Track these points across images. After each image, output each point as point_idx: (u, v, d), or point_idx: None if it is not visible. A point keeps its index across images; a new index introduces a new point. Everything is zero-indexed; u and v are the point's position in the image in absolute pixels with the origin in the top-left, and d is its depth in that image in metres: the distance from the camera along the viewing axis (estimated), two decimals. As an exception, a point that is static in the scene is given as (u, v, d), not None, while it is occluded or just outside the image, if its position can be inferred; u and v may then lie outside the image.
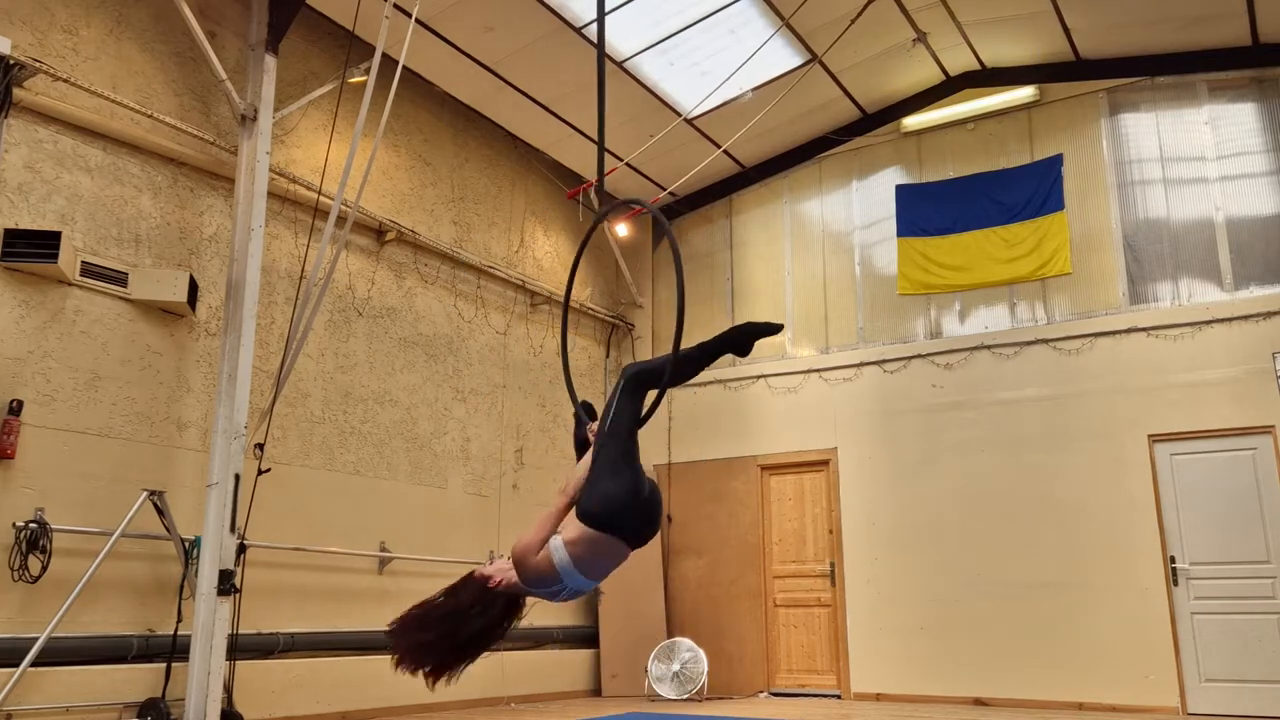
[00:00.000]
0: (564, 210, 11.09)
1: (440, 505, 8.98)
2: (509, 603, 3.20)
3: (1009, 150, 10.04)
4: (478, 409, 9.58)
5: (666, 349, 11.69)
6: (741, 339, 3.83)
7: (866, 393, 10.26)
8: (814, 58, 9.52)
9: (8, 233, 5.98)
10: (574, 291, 11.05)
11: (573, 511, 3.27)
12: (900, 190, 10.44)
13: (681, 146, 10.37)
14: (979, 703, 9.02)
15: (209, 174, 7.32)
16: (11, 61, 5.92)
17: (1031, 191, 9.71)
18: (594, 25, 8.55)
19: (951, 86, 10.33)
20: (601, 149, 4.22)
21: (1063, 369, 9.29)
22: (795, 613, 10.27)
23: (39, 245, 6.02)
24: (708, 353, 3.76)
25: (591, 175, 10.88)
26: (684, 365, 3.60)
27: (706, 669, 9.79)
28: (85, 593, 5.97)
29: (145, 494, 6.28)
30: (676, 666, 9.84)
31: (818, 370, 10.59)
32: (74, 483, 6.19)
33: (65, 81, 6.35)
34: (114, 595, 6.29)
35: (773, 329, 3.87)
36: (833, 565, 10.09)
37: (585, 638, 10.39)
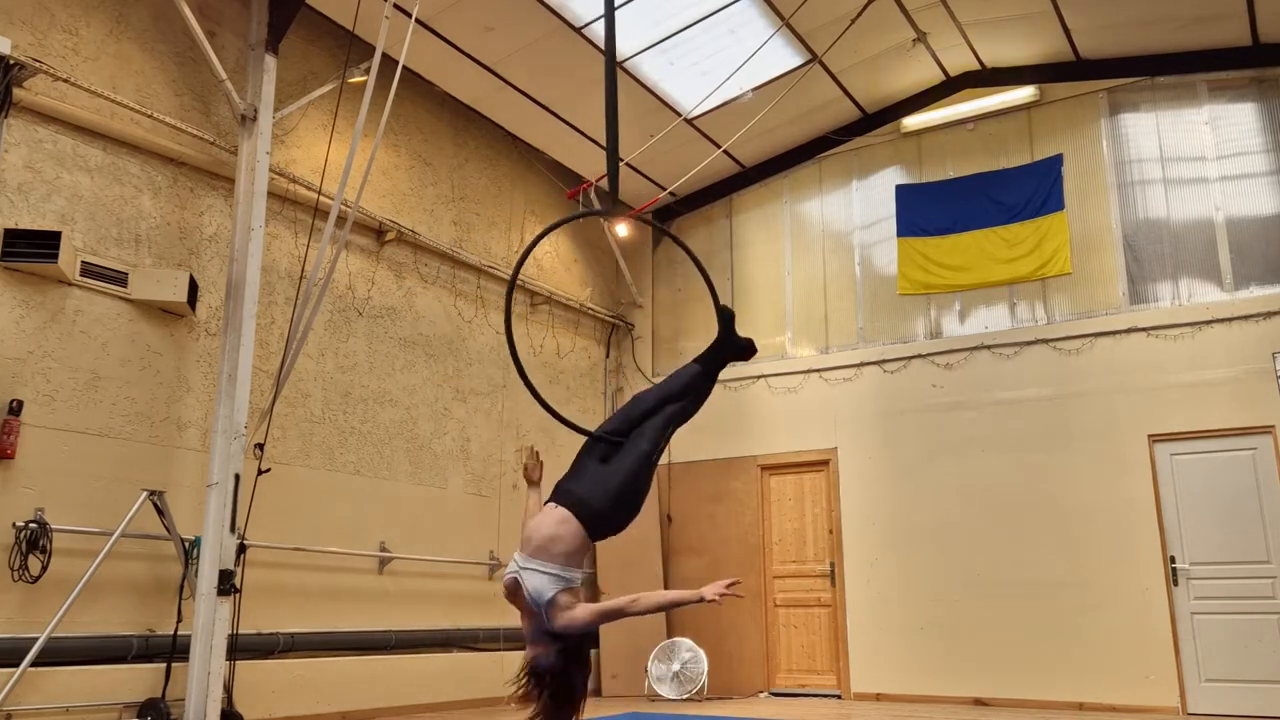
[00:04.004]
0: (564, 210, 11.08)
1: (440, 505, 8.98)
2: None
3: (1009, 150, 10.04)
4: (478, 409, 9.58)
5: (666, 348, 11.74)
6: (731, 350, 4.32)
7: (866, 393, 10.26)
8: (814, 58, 9.52)
9: (8, 233, 5.98)
10: (574, 291, 11.09)
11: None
12: (900, 190, 10.44)
13: (681, 146, 10.37)
14: (979, 703, 9.02)
15: (209, 174, 7.32)
16: (11, 61, 5.92)
17: (1031, 191, 9.71)
18: (595, 25, 8.57)
19: (951, 86, 10.33)
20: (614, 152, 4.25)
21: (1063, 369, 9.29)
22: (795, 613, 10.27)
23: (39, 245, 6.02)
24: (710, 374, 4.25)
25: (591, 174, 10.88)
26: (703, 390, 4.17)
27: (706, 669, 9.79)
28: (85, 593, 5.97)
29: (145, 494, 6.28)
30: (676, 666, 9.84)
31: (818, 370, 10.59)
32: (74, 483, 6.19)
33: (65, 81, 6.35)
34: (114, 595, 6.29)
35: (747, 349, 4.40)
36: (833, 565, 10.09)
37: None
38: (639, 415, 3.99)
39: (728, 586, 3.44)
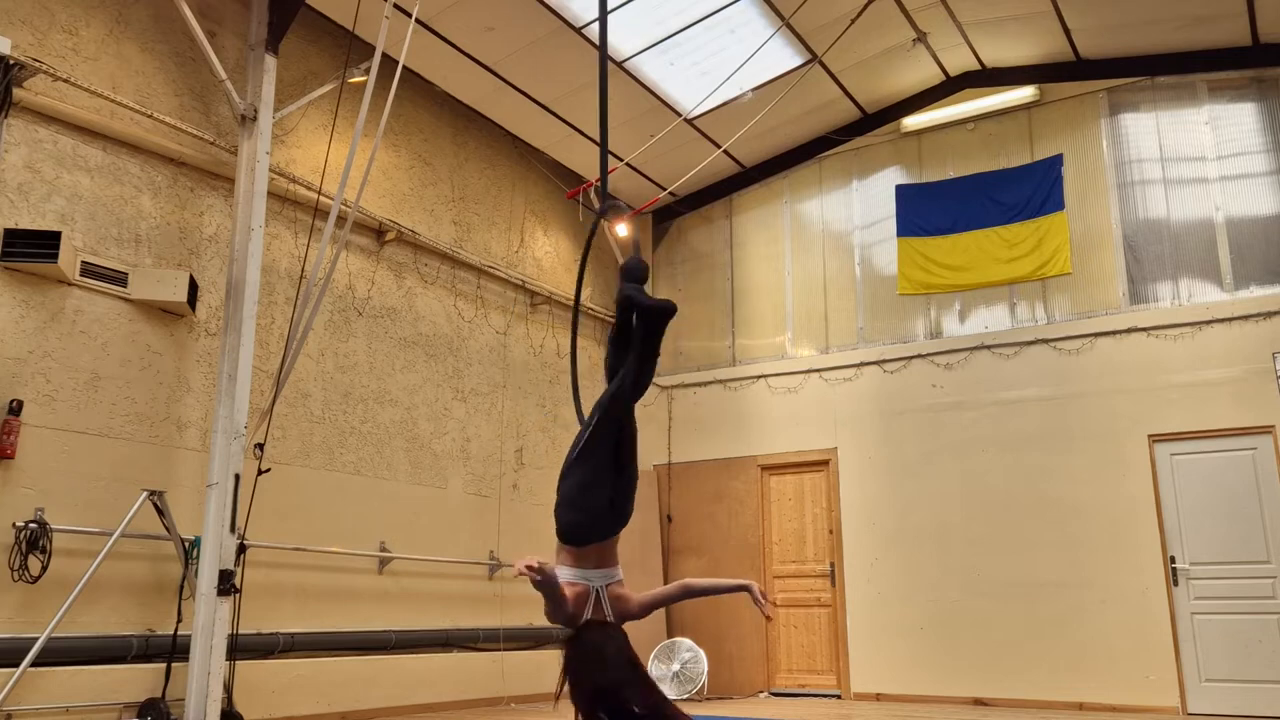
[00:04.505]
0: (564, 210, 11.09)
1: (440, 505, 8.97)
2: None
3: (1009, 150, 10.04)
4: (478, 409, 9.58)
5: (666, 347, 11.68)
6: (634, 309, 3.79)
7: (866, 393, 10.26)
8: (814, 58, 9.52)
9: (8, 233, 5.98)
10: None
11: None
12: (900, 190, 10.44)
13: (681, 146, 10.37)
14: (979, 703, 9.02)
15: (209, 174, 7.32)
16: (11, 61, 5.91)
17: (1031, 191, 9.71)
18: (594, 25, 8.57)
19: (951, 86, 10.33)
20: (604, 150, 4.25)
21: (1063, 369, 9.29)
22: (795, 613, 10.27)
23: (39, 245, 6.01)
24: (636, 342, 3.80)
25: (591, 175, 10.88)
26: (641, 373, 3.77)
27: (706, 669, 9.79)
28: (85, 593, 5.97)
29: (145, 494, 6.27)
30: (676, 666, 9.84)
31: (818, 370, 10.59)
32: (74, 483, 6.19)
33: (65, 81, 6.35)
34: (114, 595, 6.29)
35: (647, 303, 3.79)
36: (833, 565, 10.09)
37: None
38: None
39: (527, 567, 3.27)
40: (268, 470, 6.86)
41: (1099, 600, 8.70)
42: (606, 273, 11.78)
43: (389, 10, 7.03)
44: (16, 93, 6.06)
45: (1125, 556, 8.66)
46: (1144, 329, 8.98)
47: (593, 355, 11.45)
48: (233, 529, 6.36)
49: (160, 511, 6.34)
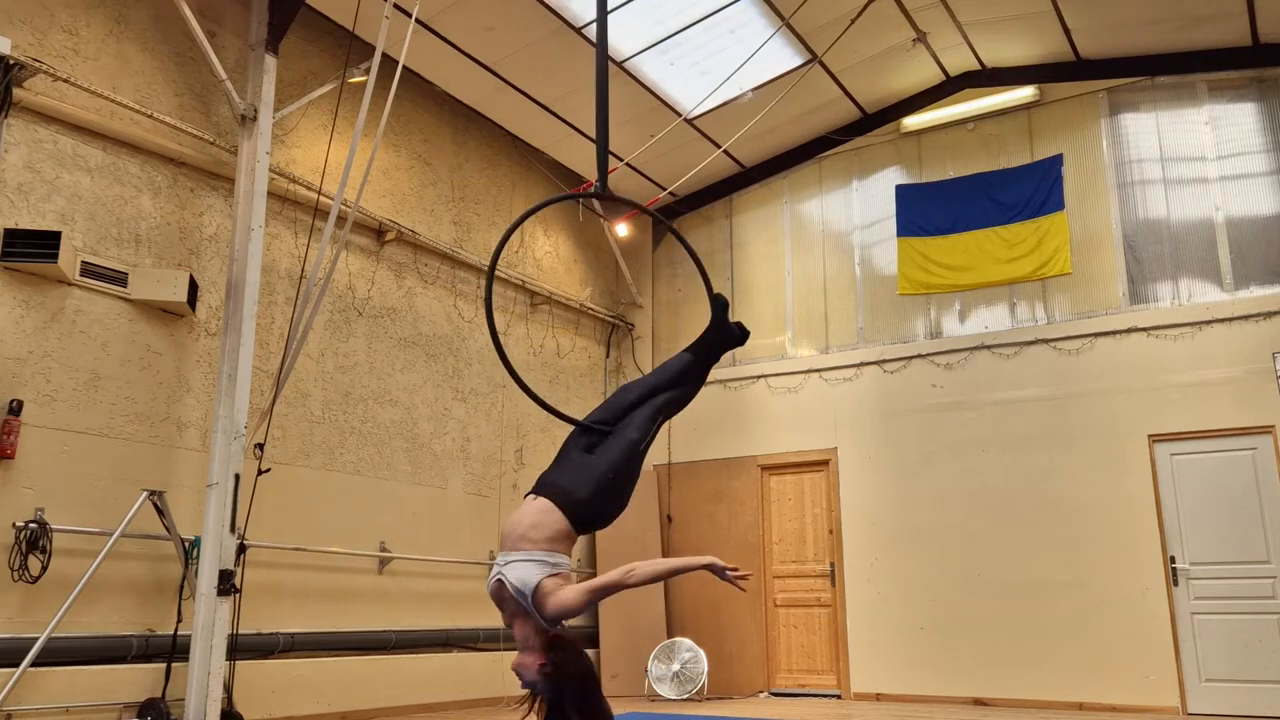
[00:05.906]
0: (564, 210, 11.09)
1: (440, 505, 8.98)
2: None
3: (1009, 150, 10.04)
4: (478, 409, 9.58)
5: (666, 348, 11.70)
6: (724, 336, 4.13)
7: (866, 393, 10.26)
8: (814, 58, 9.52)
9: (8, 233, 5.98)
10: (574, 291, 11.09)
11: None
12: (900, 190, 10.44)
13: (681, 146, 10.37)
14: (979, 703, 9.02)
15: (209, 174, 7.32)
16: (11, 61, 5.92)
17: (1031, 191, 9.71)
18: (594, 25, 8.57)
19: (951, 86, 10.33)
20: (604, 143, 4.26)
21: (1063, 369, 9.29)
22: (795, 613, 10.27)
23: (39, 245, 6.02)
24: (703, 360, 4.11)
25: (591, 175, 10.88)
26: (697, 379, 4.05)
27: (706, 669, 9.79)
28: (85, 593, 5.97)
29: (145, 494, 6.28)
30: (676, 666, 9.84)
31: (818, 370, 10.59)
32: (74, 483, 6.19)
33: (65, 81, 6.35)
34: (114, 595, 6.29)
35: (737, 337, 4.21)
36: (833, 565, 10.09)
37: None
38: (627, 405, 3.81)
39: (734, 573, 3.21)
40: (268, 470, 6.87)
41: (1099, 600, 8.70)
42: (606, 273, 11.78)
43: (389, 10, 7.03)
44: (16, 93, 6.06)
45: (1125, 556, 8.66)
46: (1144, 329, 8.98)
47: (592, 354, 11.46)
48: (233, 529, 6.36)
49: (160, 511, 6.35)
